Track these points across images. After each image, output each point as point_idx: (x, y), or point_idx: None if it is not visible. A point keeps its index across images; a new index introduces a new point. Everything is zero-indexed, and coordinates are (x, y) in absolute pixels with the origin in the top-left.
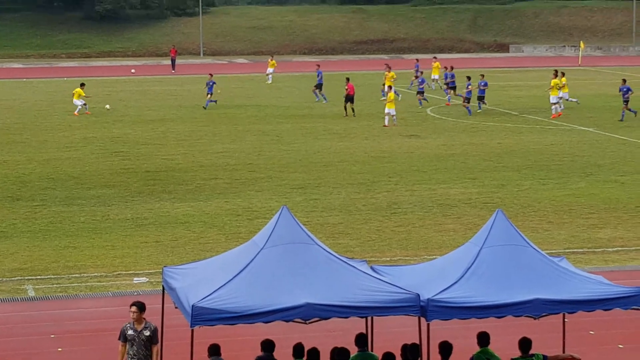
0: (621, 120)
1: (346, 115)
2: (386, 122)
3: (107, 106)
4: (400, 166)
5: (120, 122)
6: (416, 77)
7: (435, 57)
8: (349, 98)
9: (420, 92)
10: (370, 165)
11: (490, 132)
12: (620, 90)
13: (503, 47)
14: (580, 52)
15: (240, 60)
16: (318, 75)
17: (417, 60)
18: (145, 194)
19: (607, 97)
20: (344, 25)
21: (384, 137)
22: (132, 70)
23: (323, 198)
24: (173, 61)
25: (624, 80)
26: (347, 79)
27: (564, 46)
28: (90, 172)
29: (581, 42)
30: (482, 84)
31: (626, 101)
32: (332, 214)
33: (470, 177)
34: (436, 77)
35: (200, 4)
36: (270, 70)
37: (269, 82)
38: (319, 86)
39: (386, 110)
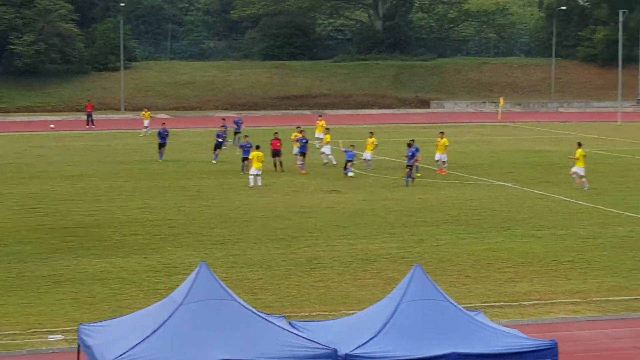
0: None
1: (275, 170)
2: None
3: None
4: (321, 221)
5: (38, 177)
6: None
7: (320, 116)
8: (275, 153)
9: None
10: (291, 220)
11: (410, 188)
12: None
13: (424, 103)
14: (500, 108)
15: (162, 115)
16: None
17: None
18: (62, 250)
19: (525, 153)
20: (267, 81)
21: (305, 193)
22: (51, 126)
23: (243, 254)
24: (89, 116)
25: (411, 143)
26: (275, 133)
27: (485, 102)
28: (6, 228)
29: (501, 98)
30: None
31: (410, 166)
32: (252, 269)
33: (390, 232)
34: (320, 135)
35: (122, 58)
36: (146, 122)
37: (146, 134)
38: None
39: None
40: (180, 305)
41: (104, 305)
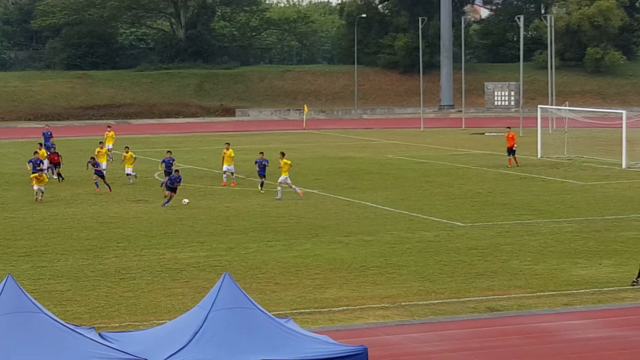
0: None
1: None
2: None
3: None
4: (129, 231)
5: None
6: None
7: (109, 127)
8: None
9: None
10: (98, 230)
11: (218, 196)
12: (163, 162)
13: (229, 111)
14: (304, 116)
15: None
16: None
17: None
18: None
19: (331, 160)
20: (70, 91)
21: (112, 203)
22: None
23: (50, 265)
24: None
25: (169, 152)
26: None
27: (289, 110)
28: None
29: (305, 105)
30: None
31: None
32: (60, 281)
33: (198, 241)
34: (110, 146)
35: None
36: None
37: None
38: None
39: (127, 171)
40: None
41: None
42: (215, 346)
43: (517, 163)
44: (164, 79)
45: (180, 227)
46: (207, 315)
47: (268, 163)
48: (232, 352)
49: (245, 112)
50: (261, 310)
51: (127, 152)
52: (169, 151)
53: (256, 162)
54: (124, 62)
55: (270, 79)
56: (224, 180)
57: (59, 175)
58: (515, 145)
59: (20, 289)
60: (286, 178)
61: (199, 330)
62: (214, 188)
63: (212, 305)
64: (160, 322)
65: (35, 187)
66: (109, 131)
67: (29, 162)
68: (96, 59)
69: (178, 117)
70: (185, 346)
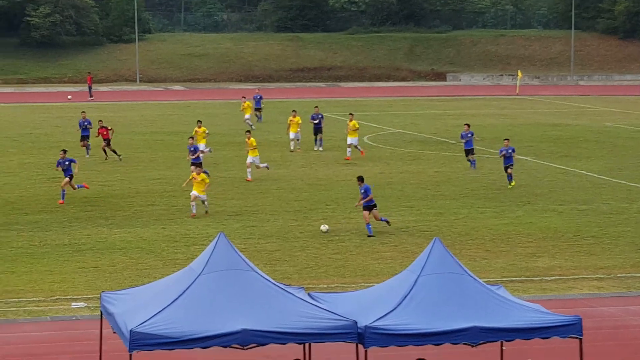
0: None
1: (106, 158)
2: (292, 147)
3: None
4: (337, 194)
5: (57, 148)
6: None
7: (244, 97)
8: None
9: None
10: (308, 192)
11: (427, 161)
12: (463, 137)
13: (440, 76)
14: (517, 81)
15: (177, 87)
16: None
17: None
18: (82, 219)
19: (544, 126)
20: (280, 53)
21: (321, 165)
22: (69, 97)
23: (260, 225)
24: (90, 88)
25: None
26: (100, 121)
27: (502, 75)
28: (28, 197)
29: (519, 71)
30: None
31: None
32: (269, 241)
33: (407, 205)
34: (247, 117)
35: (137, 30)
36: None
37: None
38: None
39: (291, 135)
40: (199, 274)
41: (124, 273)
42: (424, 311)
43: None
44: (375, 42)
45: (389, 191)
46: (417, 279)
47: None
48: (441, 317)
49: (457, 77)
50: (471, 277)
51: (199, 127)
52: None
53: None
54: (334, 25)
55: (483, 43)
56: (348, 154)
57: (105, 151)
58: None
59: (232, 247)
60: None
61: (408, 294)
62: (423, 153)
63: (421, 270)
64: (369, 284)
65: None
66: (244, 101)
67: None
68: (307, 21)
69: (388, 80)
70: (394, 309)
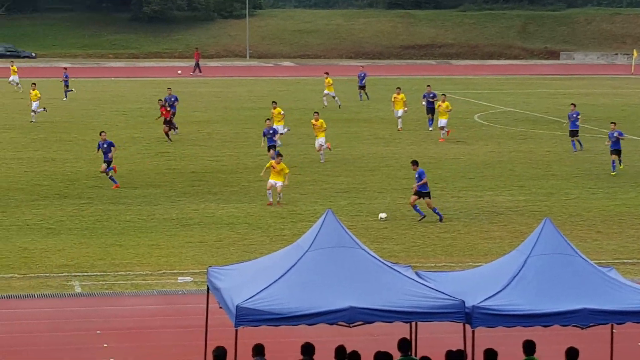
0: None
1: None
2: (399, 125)
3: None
4: (447, 172)
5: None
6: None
7: (327, 73)
8: (167, 121)
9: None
10: None
11: (538, 140)
12: (569, 118)
13: (553, 54)
14: (633, 61)
15: (287, 63)
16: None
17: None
18: (190, 194)
19: None
20: (391, 30)
21: (430, 143)
22: (179, 72)
23: (368, 202)
24: (197, 64)
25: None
26: (160, 100)
27: (617, 54)
28: (137, 171)
29: (634, 50)
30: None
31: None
32: (377, 218)
33: (517, 185)
34: (331, 93)
35: (247, 6)
36: (13, 78)
37: (19, 89)
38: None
39: (398, 113)
40: (307, 251)
41: (231, 249)
42: (534, 292)
43: None
44: (487, 19)
45: (499, 170)
46: (526, 260)
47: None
48: (551, 299)
49: (570, 56)
50: (582, 258)
51: (274, 108)
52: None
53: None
54: (446, 1)
55: (597, 21)
56: (442, 136)
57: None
58: None
59: (340, 224)
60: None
61: (517, 274)
62: (535, 132)
63: (531, 250)
64: (477, 264)
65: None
66: (327, 77)
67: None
68: None
69: (500, 58)
70: (502, 289)
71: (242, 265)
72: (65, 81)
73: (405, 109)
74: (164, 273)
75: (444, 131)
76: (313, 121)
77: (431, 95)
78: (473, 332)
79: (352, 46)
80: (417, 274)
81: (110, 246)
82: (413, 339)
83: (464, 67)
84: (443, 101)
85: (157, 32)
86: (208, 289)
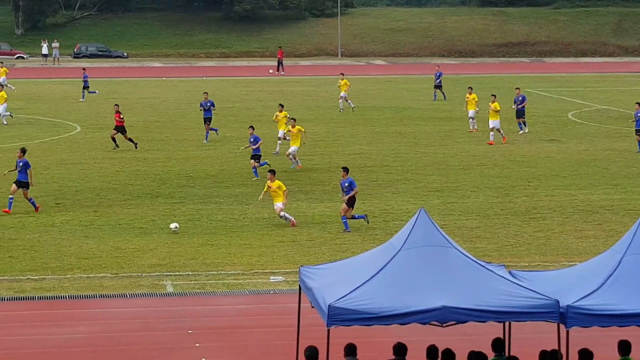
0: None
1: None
2: (470, 127)
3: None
4: (540, 171)
5: (258, 122)
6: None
7: (342, 74)
8: (119, 129)
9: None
10: (509, 169)
11: (633, 138)
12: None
13: None
14: None
15: (378, 61)
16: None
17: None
18: None
19: None
20: (484, 28)
21: (523, 142)
22: (270, 71)
23: (460, 201)
24: (280, 62)
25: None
26: (116, 106)
27: None
28: (228, 170)
29: None
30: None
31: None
32: (470, 217)
33: (612, 184)
34: (344, 95)
35: (339, 5)
36: (1, 79)
37: (11, 88)
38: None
39: (469, 114)
40: (399, 250)
41: (322, 248)
42: (629, 291)
43: None
44: (581, 16)
45: (593, 168)
46: (621, 259)
47: None
48: None
49: None
50: None
51: (280, 111)
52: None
53: None
54: None
55: None
56: (491, 138)
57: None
58: None
59: (433, 223)
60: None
61: (612, 273)
62: (630, 130)
63: (626, 250)
64: (571, 263)
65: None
66: (343, 78)
67: None
68: None
69: (594, 56)
70: (597, 289)
71: (334, 264)
72: (85, 82)
73: (477, 109)
74: (255, 272)
75: (492, 133)
76: (290, 127)
77: (519, 98)
78: (567, 332)
79: (445, 44)
80: (510, 273)
81: (202, 246)
82: (506, 338)
83: (557, 65)
84: (493, 102)
85: (248, 31)
86: (300, 288)
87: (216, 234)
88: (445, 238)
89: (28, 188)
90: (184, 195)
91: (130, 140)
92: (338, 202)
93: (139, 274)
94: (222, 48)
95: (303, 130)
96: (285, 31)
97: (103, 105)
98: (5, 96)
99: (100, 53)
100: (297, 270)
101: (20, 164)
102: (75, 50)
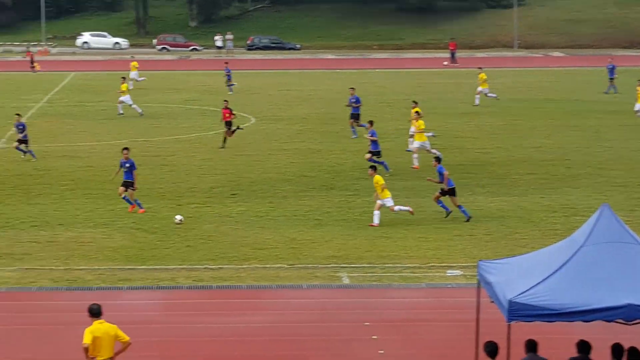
0: None
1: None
2: None
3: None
4: None
5: (433, 114)
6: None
7: (480, 68)
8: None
9: None
10: None
11: None
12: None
13: None
14: None
15: (556, 53)
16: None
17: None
18: (458, 186)
19: None
20: None
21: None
22: (444, 63)
23: None
24: (452, 54)
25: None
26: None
27: None
28: (404, 163)
29: None
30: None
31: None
32: None
33: None
34: (485, 90)
35: None
36: (133, 74)
37: (139, 80)
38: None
39: None
40: (582, 246)
41: (501, 242)
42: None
43: None
44: None
45: None
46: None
47: None
48: None
49: None
50: None
51: (413, 107)
52: None
53: None
54: None
55: None
56: None
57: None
58: None
59: (617, 219)
60: None
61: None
62: None
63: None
64: None
65: None
66: (481, 72)
67: None
68: None
69: None
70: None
71: (514, 259)
72: (228, 75)
73: None
74: (432, 266)
75: None
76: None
77: None
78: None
79: (626, 35)
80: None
81: (378, 238)
82: None
83: None
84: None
85: (423, 22)
86: (479, 282)
87: (392, 227)
88: (631, 234)
89: (134, 189)
90: (358, 188)
91: (232, 132)
92: (516, 197)
93: (315, 265)
94: (396, 40)
95: (423, 126)
96: (460, 22)
97: (277, 97)
98: (125, 88)
99: (273, 45)
100: (475, 264)
101: (127, 165)
102: (248, 42)
